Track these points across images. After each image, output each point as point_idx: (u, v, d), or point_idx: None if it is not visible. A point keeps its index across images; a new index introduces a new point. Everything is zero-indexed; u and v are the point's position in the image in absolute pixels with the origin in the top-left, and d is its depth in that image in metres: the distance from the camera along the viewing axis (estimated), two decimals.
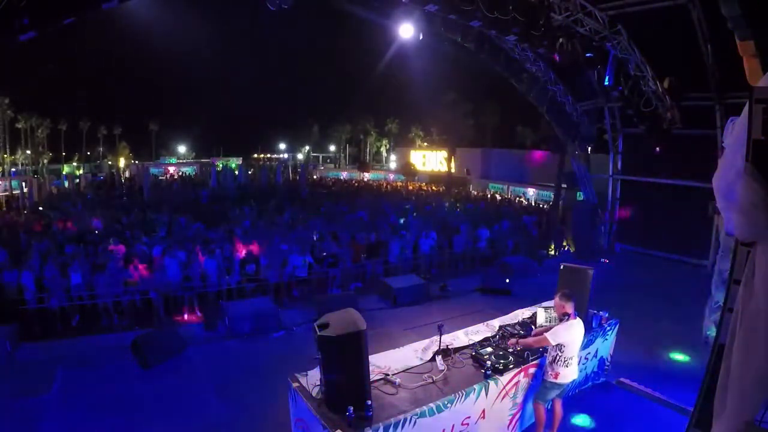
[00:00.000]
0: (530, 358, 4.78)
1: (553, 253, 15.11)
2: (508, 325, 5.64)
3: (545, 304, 5.77)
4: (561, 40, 10.14)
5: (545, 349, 4.70)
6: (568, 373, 4.53)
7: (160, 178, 32.16)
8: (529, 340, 4.77)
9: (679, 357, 6.64)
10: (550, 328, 4.69)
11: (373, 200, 20.87)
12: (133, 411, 5.55)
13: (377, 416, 3.69)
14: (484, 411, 4.41)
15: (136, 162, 45.52)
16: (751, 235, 2.58)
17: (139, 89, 51.95)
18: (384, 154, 59.59)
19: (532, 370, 4.84)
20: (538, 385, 4.75)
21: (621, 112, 14.26)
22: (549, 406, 4.76)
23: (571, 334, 4.46)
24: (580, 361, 5.62)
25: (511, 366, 4.64)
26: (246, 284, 9.57)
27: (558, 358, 4.49)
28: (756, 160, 2.11)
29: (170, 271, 8.96)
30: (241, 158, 54.37)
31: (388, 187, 32.24)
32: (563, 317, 4.58)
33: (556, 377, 4.52)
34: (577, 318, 4.60)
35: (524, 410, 4.92)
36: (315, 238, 11.97)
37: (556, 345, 4.46)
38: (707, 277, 8.67)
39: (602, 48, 11.18)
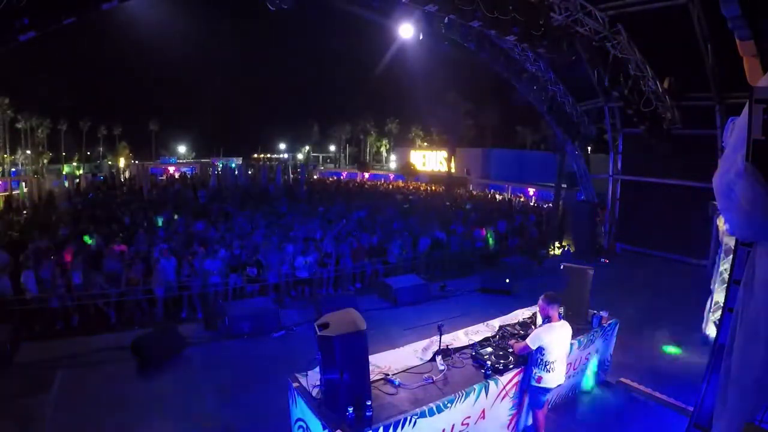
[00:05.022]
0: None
1: (553, 253, 15.12)
2: (508, 325, 5.64)
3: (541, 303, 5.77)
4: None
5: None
6: (551, 378, 4.43)
7: (160, 177, 32.17)
8: (516, 345, 4.74)
9: (673, 350, 6.64)
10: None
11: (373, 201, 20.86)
12: (133, 411, 5.54)
13: (377, 416, 3.68)
14: (484, 411, 4.41)
15: (136, 162, 45.51)
16: (751, 235, 2.58)
17: (139, 89, 52.03)
18: (384, 154, 59.62)
19: None
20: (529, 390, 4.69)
21: (621, 112, 14.26)
22: (544, 410, 4.73)
23: (551, 336, 4.36)
24: (578, 362, 5.64)
25: (511, 366, 4.64)
26: (247, 285, 9.58)
27: (540, 361, 4.41)
28: (756, 160, 2.11)
29: (168, 271, 8.96)
30: (241, 158, 54.39)
31: (389, 187, 32.23)
32: (545, 320, 4.53)
33: (539, 381, 4.44)
34: (562, 321, 4.52)
35: (524, 410, 4.92)
36: (317, 238, 11.98)
37: (537, 348, 4.39)
38: (707, 277, 8.67)
39: (602, 48, 11.18)
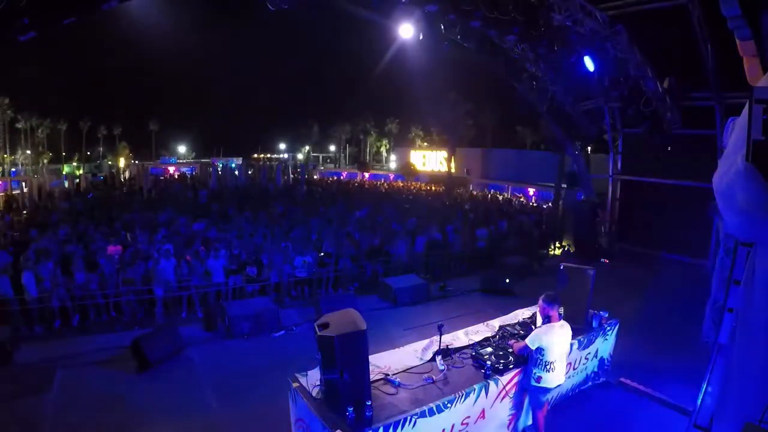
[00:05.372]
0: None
1: (553, 253, 15.11)
2: (508, 325, 5.64)
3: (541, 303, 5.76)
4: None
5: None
6: (551, 378, 4.41)
7: (160, 177, 32.19)
8: (515, 345, 4.73)
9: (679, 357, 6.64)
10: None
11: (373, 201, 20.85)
12: (133, 411, 5.55)
13: (377, 416, 3.69)
14: (483, 411, 4.41)
15: (136, 162, 45.52)
16: (751, 235, 2.58)
17: (139, 89, 52.06)
18: (384, 154, 59.63)
19: None
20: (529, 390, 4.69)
21: (621, 112, 14.24)
22: (544, 410, 4.73)
23: (550, 337, 4.35)
24: (579, 362, 5.64)
25: (511, 366, 4.64)
26: (247, 285, 9.58)
27: (539, 361, 4.39)
28: (756, 160, 2.11)
29: (167, 271, 8.96)
30: (241, 158, 54.39)
31: (389, 186, 32.23)
32: (545, 319, 4.53)
33: (538, 381, 4.43)
34: (562, 321, 4.51)
35: (523, 410, 4.92)
36: (314, 238, 11.98)
37: (536, 349, 4.37)
38: (707, 277, 8.67)
39: (602, 48, 11.17)
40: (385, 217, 15.66)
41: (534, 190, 27.80)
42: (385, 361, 4.61)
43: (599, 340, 5.87)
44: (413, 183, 34.84)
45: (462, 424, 4.22)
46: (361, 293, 10.27)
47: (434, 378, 4.34)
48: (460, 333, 5.48)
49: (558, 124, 14.92)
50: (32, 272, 8.18)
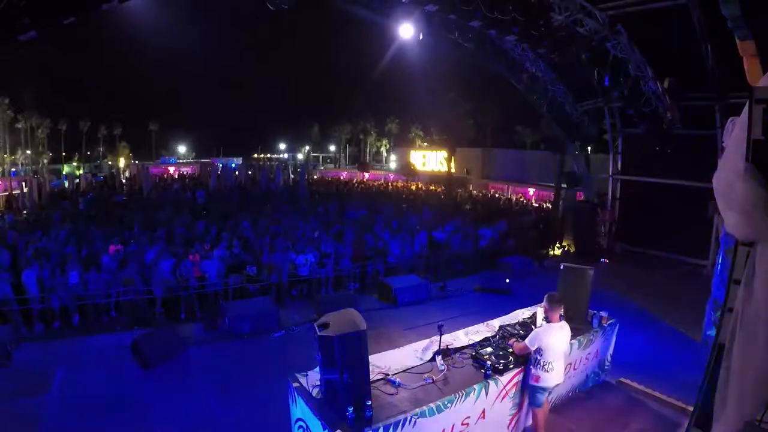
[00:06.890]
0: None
1: (553, 253, 15.11)
2: (508, 325, 5.63)
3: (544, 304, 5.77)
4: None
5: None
6: (549, 378, 4.46)
7: (165, 176, 32.17)
8: (515, 346, 4.76)
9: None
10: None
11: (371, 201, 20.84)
12: (133, 411, 5.54)
13: (377, 416, 3.69)
14: (484, 411, 4.41)
15: (136, 162, 45.50)
16: (751, 235, 2.58)
17: (139, 89, 51.98)
18: (384, 154, 59.57)
19: None
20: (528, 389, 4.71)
21: (621, 112, 14.27)
22: (544, 409, 4.74)
23: (549, 337, 4.41)
24: (579, 362, 5.64)
25: (511, 366, 4.64)
26: (248, 286, 9.58)
27: (537, 361, 4.45)
28: (756, 160, 2.11)
29: (166, 271, 8.95)
30: (241, 158, 54.36)
31: (389, 186, 32.22)
32: (546, 320, 4.59)
33: (536, 380, 4.47)
34: (562, 322, 4.56)
35: (524, 410, 4.92)
36: (315, 236, 11.98)
37: (535, 349, 4.42)
38: (707, 277, 8.69)
39: (602, 48, 11.18)
40: (385, 216, 15.66)
41: (534, 190, 27.78)
42: (385, 361, 4.61)
43: (599, 340, 5.87)
44: (413, 183, 34.81)
45: (462, 424, 4.22)
46: (361, 293, 10.27)
47: (434, 378, 4.34)
48: (460, 333, 5.48)
49: (558, 124, 14.93)
50: (33, 270, 8.17)
